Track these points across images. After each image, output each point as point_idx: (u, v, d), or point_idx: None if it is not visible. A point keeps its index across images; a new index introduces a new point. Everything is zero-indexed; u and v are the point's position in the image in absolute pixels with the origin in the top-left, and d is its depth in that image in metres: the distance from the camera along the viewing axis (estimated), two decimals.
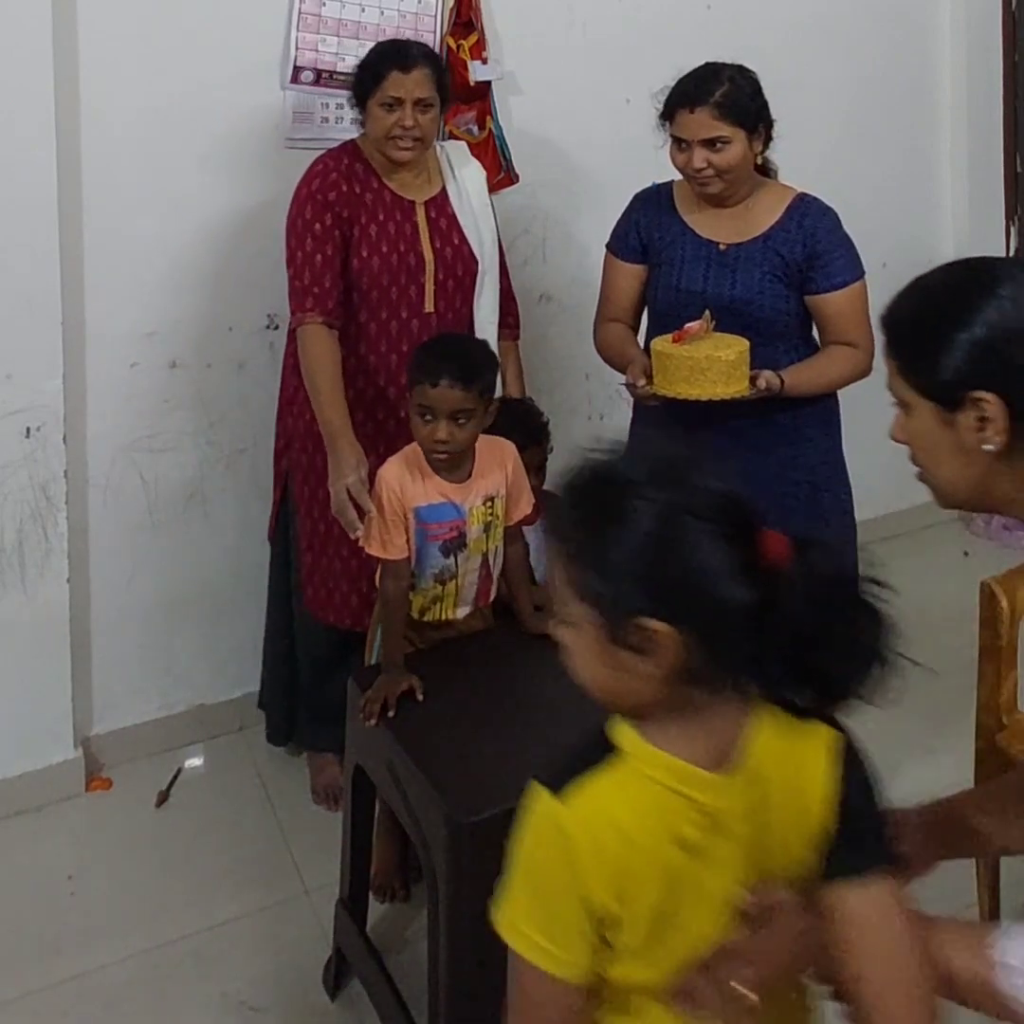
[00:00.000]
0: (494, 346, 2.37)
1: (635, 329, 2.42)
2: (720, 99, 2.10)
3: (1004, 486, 1.11)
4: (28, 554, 2.56)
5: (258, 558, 2.82)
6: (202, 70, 2.68)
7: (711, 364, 2.04)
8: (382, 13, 2.88)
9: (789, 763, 1.01)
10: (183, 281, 2.73)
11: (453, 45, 2.96)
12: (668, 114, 2.16)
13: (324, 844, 2.34)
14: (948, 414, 1.09)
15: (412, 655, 1.98)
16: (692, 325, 2.11)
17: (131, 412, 2.72)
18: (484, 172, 2.61)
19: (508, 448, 2.11)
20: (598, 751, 0.99)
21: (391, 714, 1.85)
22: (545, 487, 2.33)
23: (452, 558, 2.02)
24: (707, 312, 2.13)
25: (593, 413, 3.31)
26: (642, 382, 2.14)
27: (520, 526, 2.13)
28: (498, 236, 2.58)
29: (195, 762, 2.79)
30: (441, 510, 1.99)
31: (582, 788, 0.96)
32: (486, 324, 2.48)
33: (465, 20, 2.98)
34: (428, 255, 2.40)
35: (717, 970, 1.00)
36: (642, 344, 2.37)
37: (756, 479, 2.19)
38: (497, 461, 2.07)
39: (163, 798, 2.65)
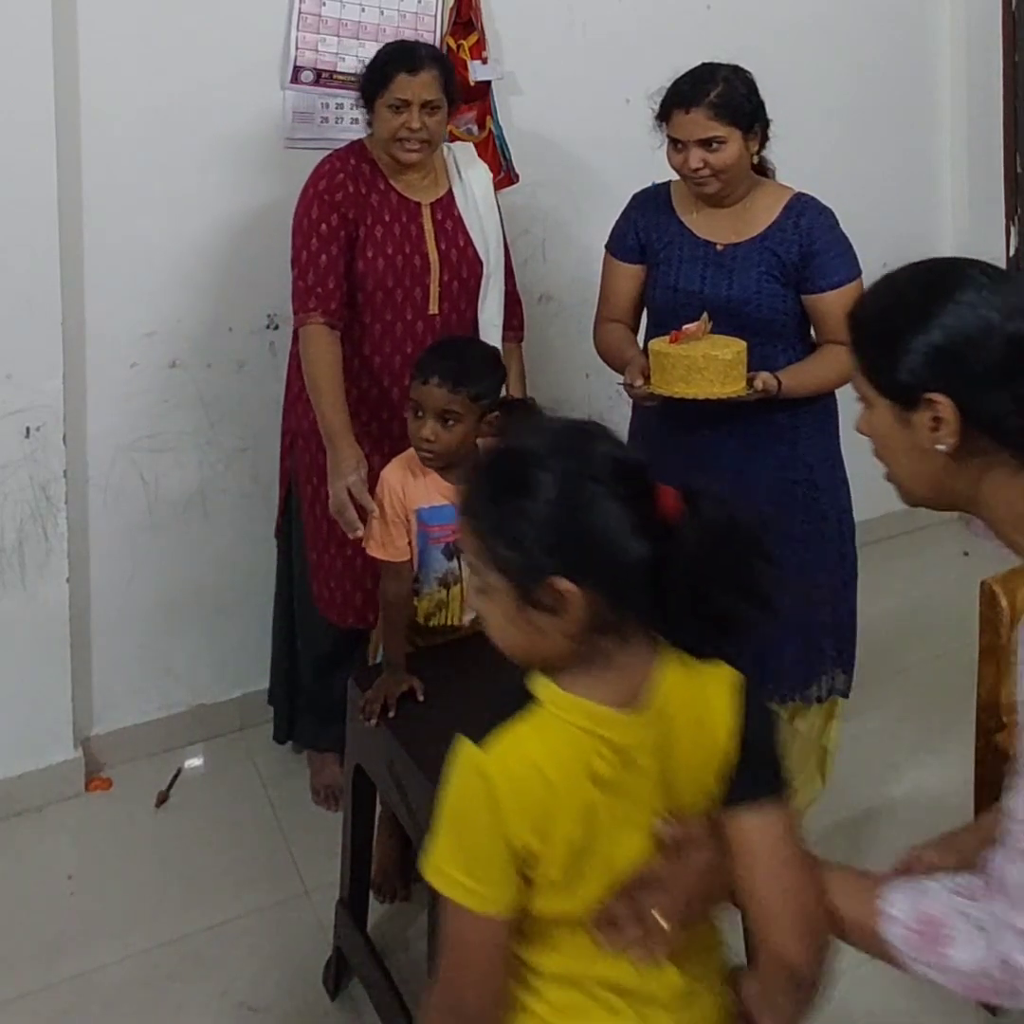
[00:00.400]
0: (499, 349, 2.37)
1: (635, 329, 2.42)
2: (715, 99, 2.11)
3: (959, 484, 1.14)
4: (28, 554, 2.56)
5: (258, 558, 2.82)
6: (202, 70, 2.68)
7: (708, 364, 2.05)
8: (382, 13, 2.88)
9: (694, 700, 1.08)
10: (183, 281, 2.73)
11: (453, 45, 2.96)
12: (664, 115, 2.17)
13: (324, 844, 2.34)
14: (905, 413, 1.13)
15: (413, 655, 1.98)
16: (690, 326, 2.12)
17: (131, 412, 2.72)
18: (491, 174, 2.62)
19: None
20: (517, 705, 1.05)
21: (391, 714, 1.85)
22: None
23: (455, 561, 2.02)
24: (704, 314, 2.14)
25: (593, 413, 3.27)
26: (640, 382, 2.14)
27: None
28: (504, 239, 2.58)
29: (195, 762, 2.79)
30: (443, 512, 1.99)
31: (501, 736, 1.03)
32: (490, 326, 2.48)
33: (465, 20, 2.98)
34: (433, 257, 2.41)
35: (636, 897, 1.07)
36: (642, 343, 2.37)
37: (755, 478, 2.23)
38: None
39: (163, 798, 2.65)
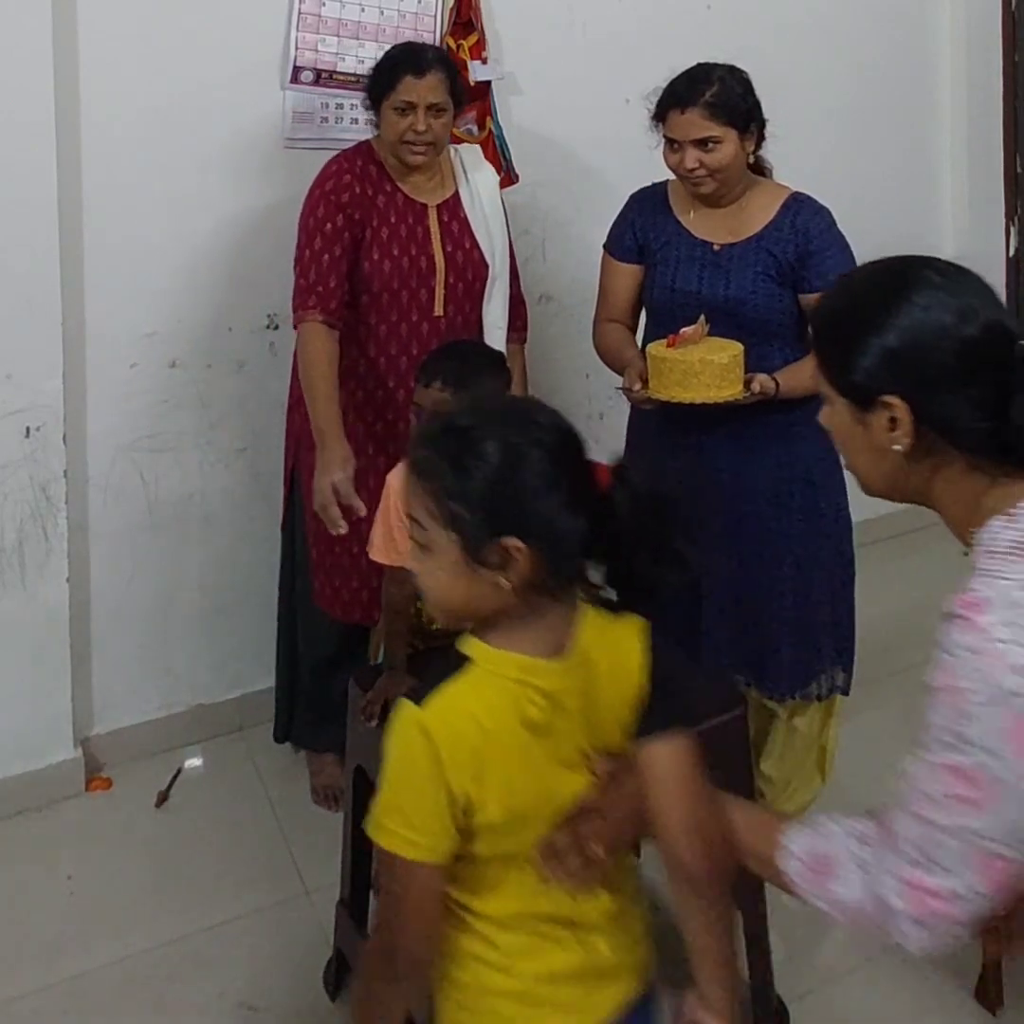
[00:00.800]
0: (503, 351, 2.37)
1: (633, 328, 2.42)
2: (711, 99, 2.11)
3: (914, 481, 1.17)
4: (28, 554, 2.56)
5: (258, 558, 2.83)
6: (202, 70, 2.68)
7: (704, 368, 2.05)
8: (382, 13, 2.88)
9: (610, 647, 1.20)
10: (183, 281, 2.73)
11: (453, 45, 2.96)
12: (660, 115, 2.17)
13: (324, 844, 2.34)
14: (861, 413, 1.16)
15: (414, 656, 1.98)
16: (687, 329, 2.12)
17: (131, 412, 2.72)
18: (497, 176, 2.62)
19: None
20: (452, 667, 1.14)
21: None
22: None
23: None
24: (702, 317, 2.14)
25: (593, 413, 3.31)
26: (638, 386, 2.15)
27: None
28: (510, 241, 2.58)
29: (195, 762, 2.79)
30: None
31: (438, 694, 1.11)
32: (494, 329, 2.49)
33: (465, 20, 2.98)
34: (439, 259, 2.41)
35: (575, 828, 1.17)
36: (641, 342, 2.38)
37: (753, 479, 2.24)
38: None
39: (163, 798, 2.65)
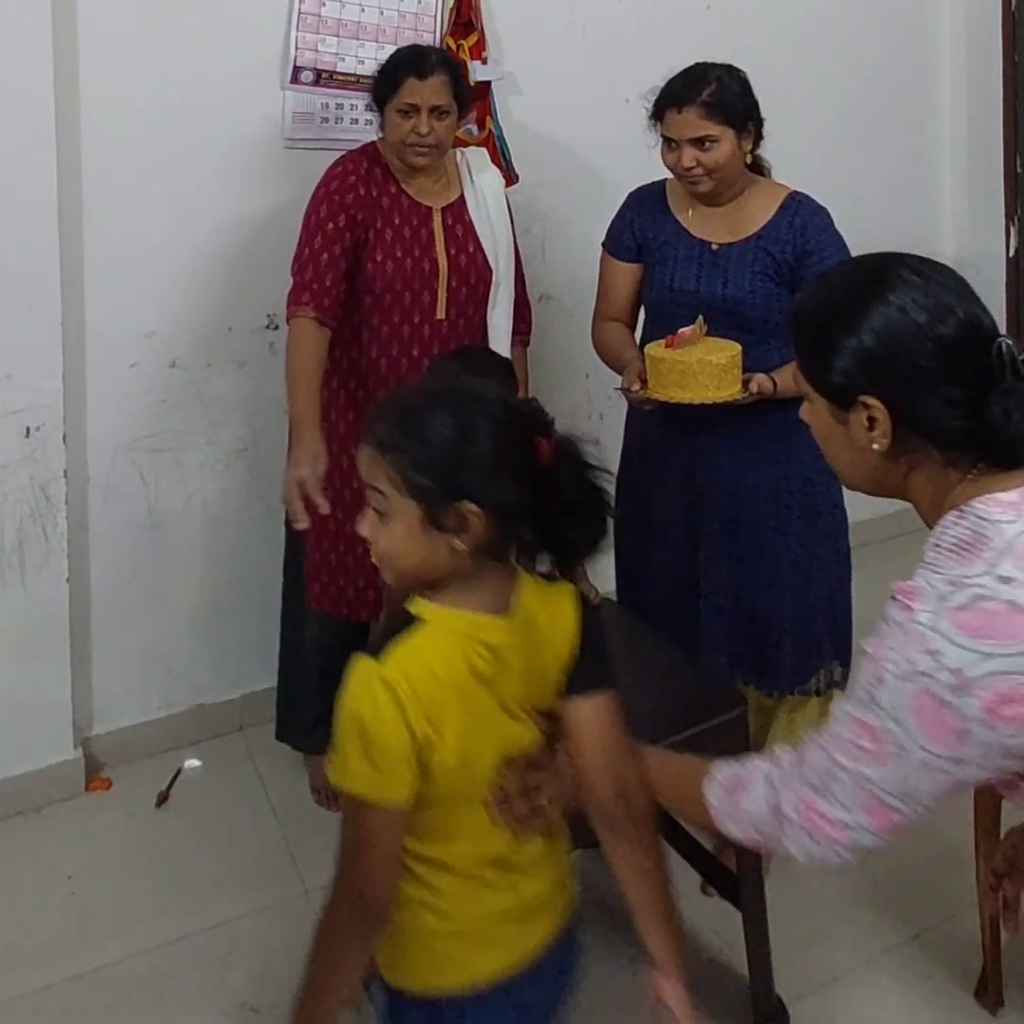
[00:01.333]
0: (510, 359, 2.39)
1: (632, 327, 2.43)
2: (708, 98, 2.12)
3: (894, 479, 1.19)
4: (28, 554, 2.56)
5: (257, 558, 2.83)
6: (202, 70, 2.68)
7: (702, 368, 2.06)
8: (382, 13, 2.88)
9: (548, 609, 1.30)
10: (183, 281, 2.73)
11: (453, 45, 2.96)
12: (658, 114, 2.19)
13: (324, 844, 2.34)
14: (840, 412, 1.18)
15: None
16: (685, 330, 2.12)
17: (131, 412, 2.72)
18: (503, 180, 2.62)
19: None
20: (404, 627, 1.22)
21: None
22: None
23: None
24: (700, 317, 2.15)
25: (593, 413, 3.31)
26: (636, 386, 2.16)
27: None
28: (516, 245, 2.58)
29: (195, 762, 2.79)
30: None
31: (394, 649, 1.20)
32: (499, 333, 2.48)
33: (465, 20, 2.98)
34: (442, 261, 2.42)
35: (524, 777, 1.27)
36: (639, 340, 2.38)
37: (752, 477, 2.25)
38: None
39: (163, 798, 2.65)
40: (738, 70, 2.20)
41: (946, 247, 4.01)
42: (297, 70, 2.80)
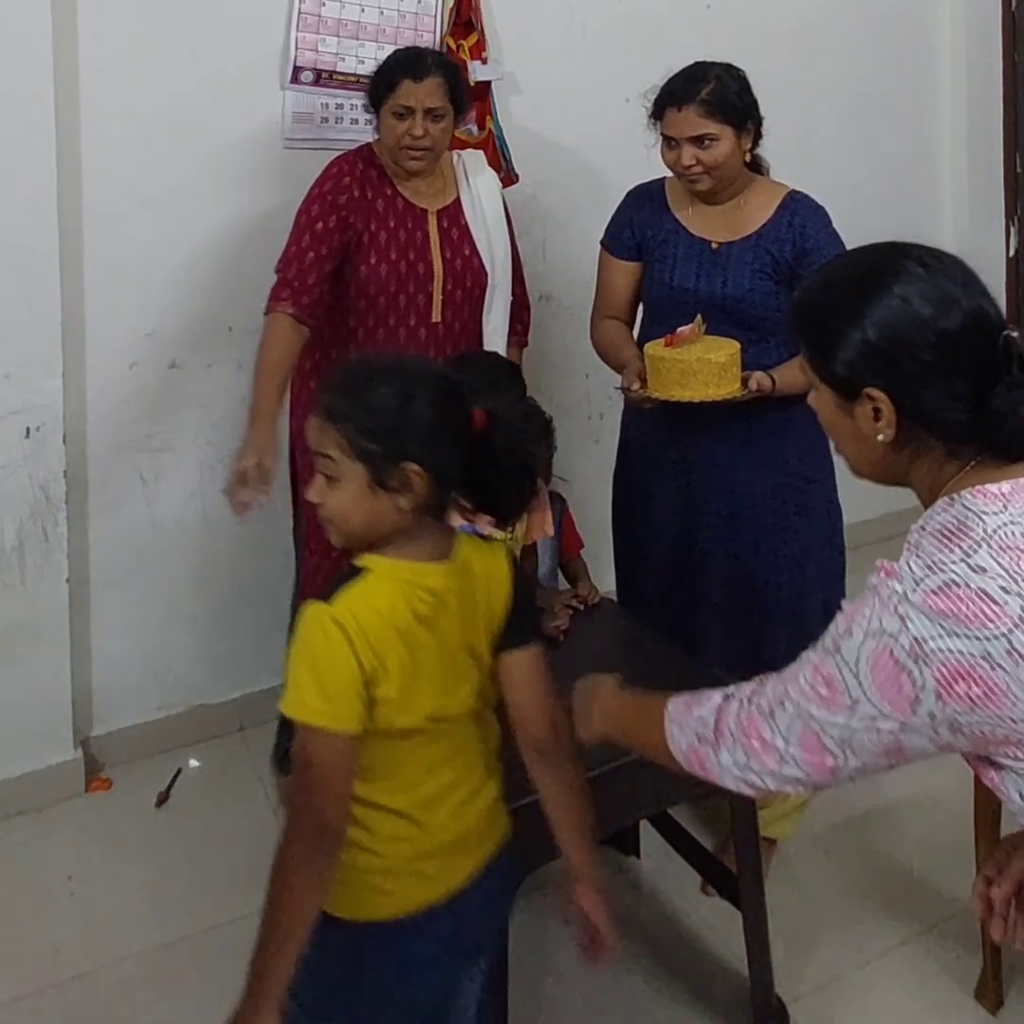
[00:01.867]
0: (516, 362, 2.40)
1: (631, 324, 2.43)
2: (707, 97, 2.13)
3: (898, 468, 1.20)
4: (28, 554, 2.56)
5: (258, 558, 2.83)
6: (202, 70, 2.68)
7: (702, 367, 2.07)
8: (382, 13, 2.88)
9: (483, 561, 1.43)
10: (183, 281, 2.73)
11: (453, 45, 2.96)
12: (657, 113, 2.20)
13: None
14: (846, 402, 1.18)
15: None
16: (684, 329, 2.13)
17: (131, 412, 2.72)
18: (500, 183, 2.61)
19: None
20: (350, 577, 1.33)
21: None
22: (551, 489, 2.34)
23: None
24: (698, 316, 2.15)
25: (593, 413, 3.31)
26: (636, 385, 2.16)
27: (535, 542, 2.13)
28: (514, 247, 2.57)
29: (195, 762, 2.79)
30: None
31: (343, 594, 1.31)
32: (495, 337, 2.48)
33: (465, 20, 2.98)
34: (437, 265, 2.40)
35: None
36: (636, 338, 2.39)
37: (750, 474, 2.25)
38: None
39: (163, 798, 2.65)
40: (737, 69, 2.21)
41: (946, 247, 3.98)
42: (297, 70, 2.80)
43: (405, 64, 2.34)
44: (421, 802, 1.36)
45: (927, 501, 1.19)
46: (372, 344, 2.38)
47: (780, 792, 1.23)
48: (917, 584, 1.07)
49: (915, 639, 1.05)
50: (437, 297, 2.40)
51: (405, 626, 1.32)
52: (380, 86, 2.36)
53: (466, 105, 2.48)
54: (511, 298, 2.54)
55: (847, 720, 1.11)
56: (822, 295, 1.22)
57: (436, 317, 2.40)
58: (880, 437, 1.16)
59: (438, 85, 2.33)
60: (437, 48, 2.94)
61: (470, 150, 2.71)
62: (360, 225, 2.37)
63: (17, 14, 2.41)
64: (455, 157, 2.53)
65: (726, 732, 1.23)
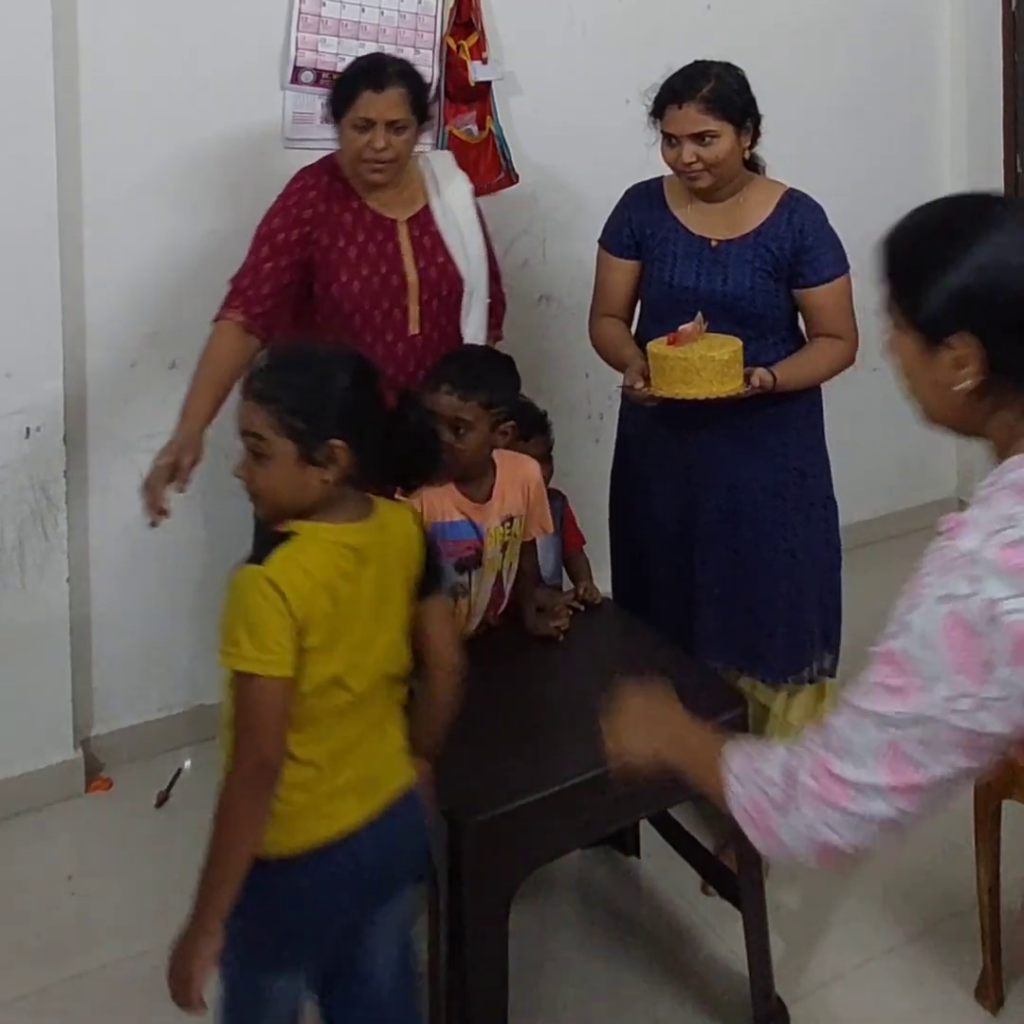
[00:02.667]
0: (511, 356, 2.33)
1: (629, 323, 2.44)
2: (707, 94, 2.14)
3: (976, 418, 1.16)
4: (28, 554, 2.56)
5: None
6: (202, 70, 2.68)
7: (705, 364, 2.08)
8: (382, 13, 2.88)
9: (397, 524, 1.57)
10: (183, 281, 2.73)
11: (453, 45, 2.96)
12: (657, 111, 2.21)
13: None
14: (929, 347, 1.14)
15: None
16: (686, 327, 2.13)
17: (131, 412, 2.72)
18: (470, 184, 2.51)
19: (530, 467, 2.08)
20: (278, 542, 1.44)
21: None
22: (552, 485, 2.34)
23: (466, 575, 2.00)
24: (699, 314, 2.16)
25: (593, 412, 3.31)
26: (640, 384, 2.17)
27: (535, 539, 2.12)
28: (488, 248, 2.50)
29: (195, 762, 2.79)
30: (459, 528, 1.97)
31: (273, 556, 1.42)
32: (475, 343, 2.40)
33: (465, 20, 2.98)
34: (411, 276, 2.32)
35: None
36: (634, 336, 2.39)
37: (749, 470, 2.27)
38: (519, 481, 2.04)
39: (163, 798, 2.65)
40: (736, 68, 2.22)
41: None
42: (297, 70, 2.80)
43: (365, 74, 2.25)
44: (329, 752, 1.47)
45: (1000, 455, 1.15)
46: None
47: (857, 853, 1.11)
48: (990, 535, 1.03)
49: (988, 601, 1.01)
50: (413, 310, 2.33)
51: (330, 581, 1.44)
52: (339, 97, 2.26)
53: (430, 113, 2.37)
54: (488, 299, 2.47)
55: (925, 709, 1.04)
56: (916, 237, 1.18)
57: (414, 330, 2.33)
58: (962, 385, 1.12)
59: (400, 96, 2.23)
60: (437, 48, 2.94)
61: (437, 151, 2.62)
62: (326, 241, 2.29)
63: (17, 15, 2.41)
64: (422, 161, 2.44)
65: (799, 786, 1.12)
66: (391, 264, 2.31)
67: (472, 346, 2.23)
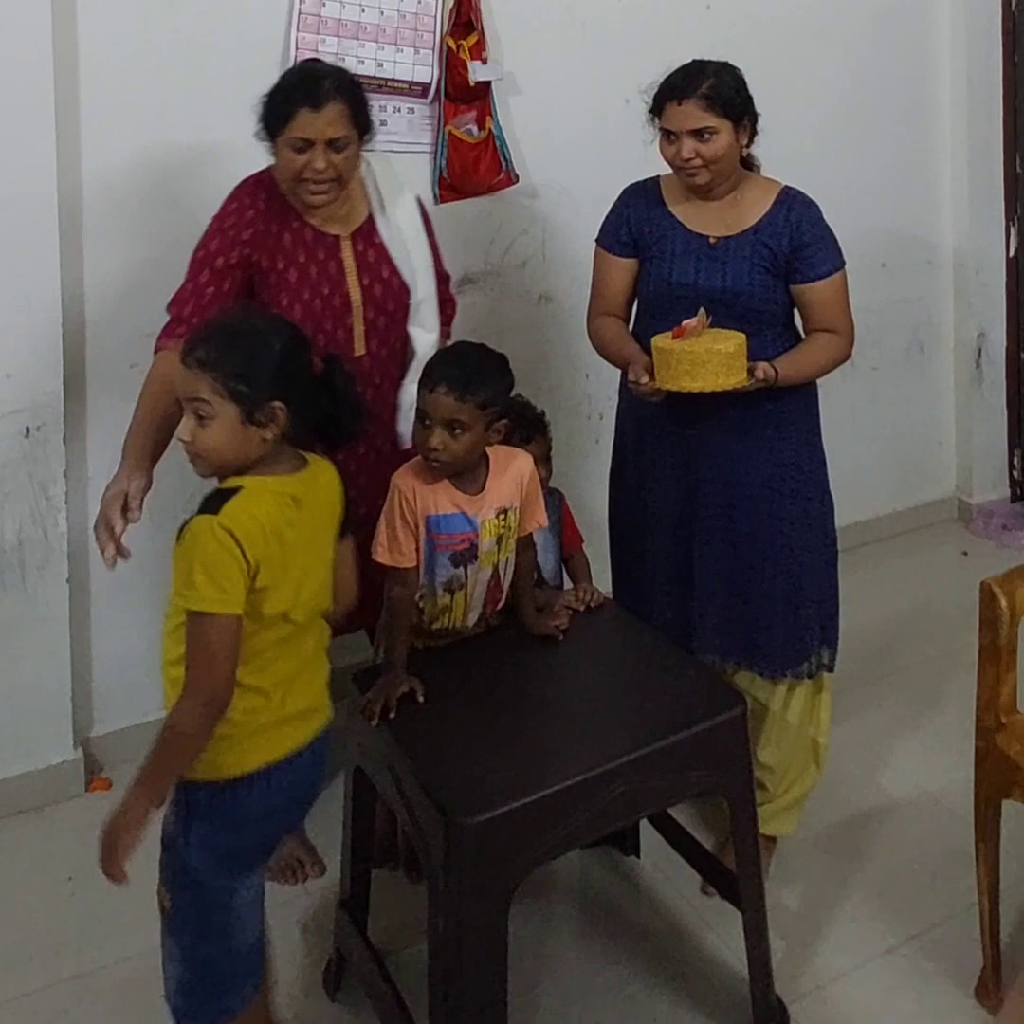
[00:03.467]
0: (505, 355, 2.33)
1: (627, 321, 2.44)
2: (707, 91, 2.17)
3: None
4: (28, 554, 2.56)
5: None
6: (202, 70, 2.68)
7: (711, 357, 2.09)
8: (382, 13, 2.88)
9: (323, 472, 1.75)
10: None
11: (453, 45, 2.96)
12: (657, 108, 2.23)
13: (324, 845, 2.35)
14: None
15: (413, 656, 1.98)
16: (690, 322, 2.15)
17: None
18: (415, 192, 2.38)
19: (524, 460, 2.08)
20: (227, 496, 1.59)
21: (392, 715, 1.85)
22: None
23: (462, 568, 2.00)
24: (702, 310, 2.17)
25: (593, 413, 3.32)
26: (645, 379, 2.18)
27: (531, 534, 2.12)
28: (435, 252, 2.37)
29: None
30: (453, 521, 1.97)
31: (225, 507, 1.57)
32: (425, 356, 2.26)
33: (465, 20, 2.98)
34: (355, 295, 2.21)
35: None
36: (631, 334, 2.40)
37: (748, 463, 2.29)
38: (512, 473, 2.04)
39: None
40: (734, 67, 2.25)
41: (946, 247, 4.01)
42: None
43: (301, 91, 2.09)
44: (274, 681, 1.65)
45: None
46: None
47: None
48: None
49: None
50: (358, 329, 2.21)
51: (277, 528, 1.60)
52: (273, 115, 2.10)
53: (371, 124, 2.19)
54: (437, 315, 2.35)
55: None
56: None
57: (360, 350, 2.22)
58: None
59: (339, 113, 2.09)
60: (437, 48, 2.94)
61: (379, 155, 2.41)
62: (265, 264, 2.18)
63: (18, 15, 2.41)
64: (364, 168, 2.28)
65: None
66: (334, 284, 2.20)
67: (466, 344, 2.17)
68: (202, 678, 1.57)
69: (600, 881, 2.38)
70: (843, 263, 2.29)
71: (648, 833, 2.35)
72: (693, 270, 2.27)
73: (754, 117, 2.25)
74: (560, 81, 3.15)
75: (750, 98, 2.24)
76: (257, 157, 2.76)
